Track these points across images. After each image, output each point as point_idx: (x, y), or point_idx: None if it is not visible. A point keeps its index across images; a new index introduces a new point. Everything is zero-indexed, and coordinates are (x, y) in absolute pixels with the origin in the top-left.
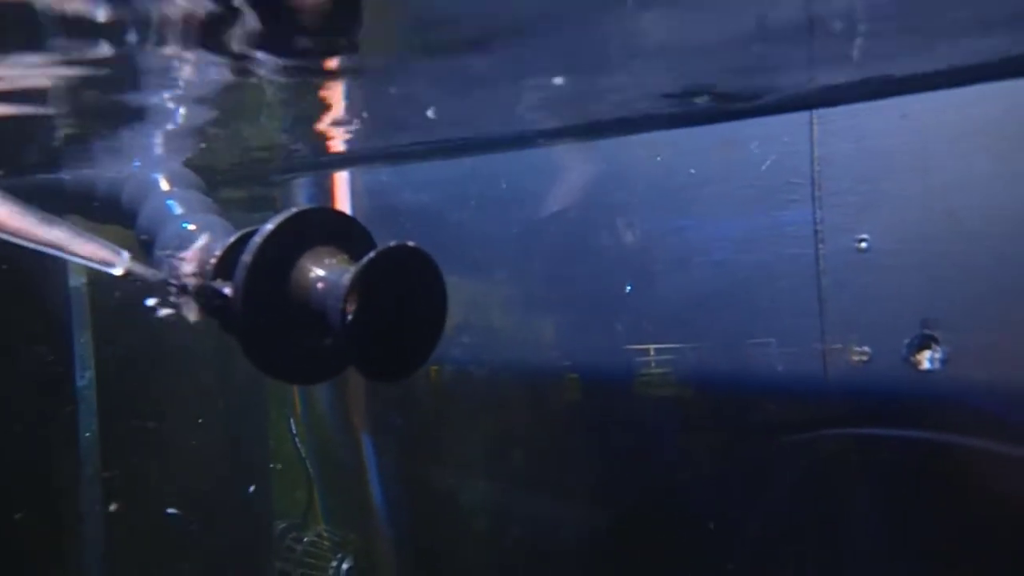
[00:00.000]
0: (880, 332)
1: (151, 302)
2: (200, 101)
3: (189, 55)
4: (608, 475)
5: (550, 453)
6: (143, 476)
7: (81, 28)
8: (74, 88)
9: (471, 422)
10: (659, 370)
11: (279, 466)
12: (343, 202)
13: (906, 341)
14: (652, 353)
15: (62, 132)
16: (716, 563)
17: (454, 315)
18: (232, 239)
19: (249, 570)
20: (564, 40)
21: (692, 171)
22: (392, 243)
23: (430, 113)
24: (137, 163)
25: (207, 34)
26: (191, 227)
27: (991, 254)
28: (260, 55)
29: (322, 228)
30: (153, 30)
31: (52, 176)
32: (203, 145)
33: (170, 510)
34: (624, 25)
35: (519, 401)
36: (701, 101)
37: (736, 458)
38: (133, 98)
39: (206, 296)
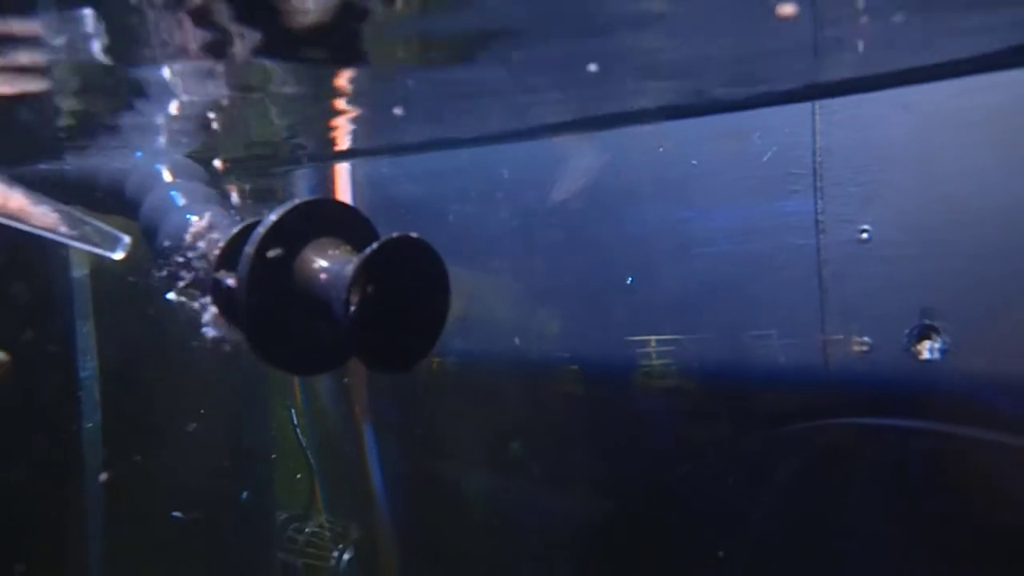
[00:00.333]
0: (881, 322)
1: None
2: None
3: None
4: (610, 465)
5: (551, 444)
6: (145, 467)
7: None
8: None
9: (472, 413)
10: (660, 361)
11: (281, 457)
12: (344, 193)
13: (906, 331)
14: (653, 344)
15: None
16: (717, 551)
17: (455, 307)
18: (236, 230)
19: (251, 560)
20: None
21: (694, 162)
22: (395, 234)
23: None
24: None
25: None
26: (194, 218)
27: (991, 245)
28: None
29: (325, 219)
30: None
31: (55, 167)
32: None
33: (174, 513)
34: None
35: (520, 392)
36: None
37: (737, 447)
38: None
39: (210, 287)
